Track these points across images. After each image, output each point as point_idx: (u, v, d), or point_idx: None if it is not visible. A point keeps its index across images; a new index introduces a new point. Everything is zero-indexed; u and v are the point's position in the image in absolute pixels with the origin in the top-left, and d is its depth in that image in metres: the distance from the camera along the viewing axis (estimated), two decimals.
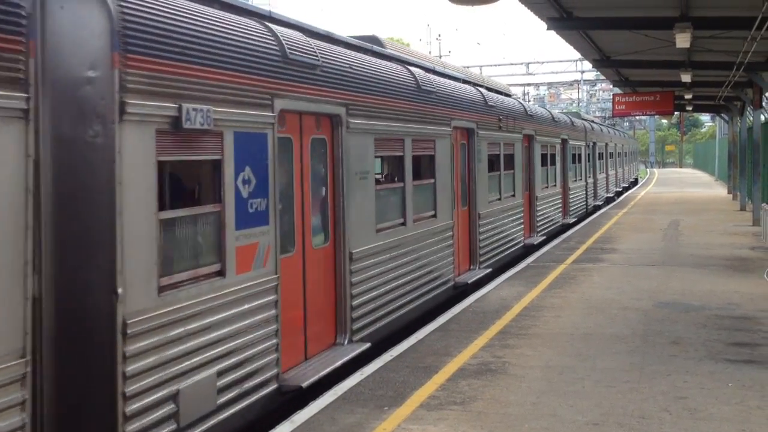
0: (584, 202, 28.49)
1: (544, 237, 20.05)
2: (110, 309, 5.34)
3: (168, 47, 5.95)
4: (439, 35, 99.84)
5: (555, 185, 22.73)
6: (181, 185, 6.56)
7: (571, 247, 18.66)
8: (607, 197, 34.49)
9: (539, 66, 71.65)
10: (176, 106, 5.99)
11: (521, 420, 6.84)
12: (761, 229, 20.28)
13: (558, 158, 23.16)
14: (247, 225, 7.01)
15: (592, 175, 30.49)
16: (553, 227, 21.95)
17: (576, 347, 9.23)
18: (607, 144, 35.64)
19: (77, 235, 5.30)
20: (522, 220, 17.86)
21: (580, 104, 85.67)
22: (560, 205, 23.73)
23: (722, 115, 43.61)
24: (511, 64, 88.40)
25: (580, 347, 9.23)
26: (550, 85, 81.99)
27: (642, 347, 9.20)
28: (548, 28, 16.58)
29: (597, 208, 30.76)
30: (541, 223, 20.45)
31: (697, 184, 49.95)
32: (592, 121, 36.72)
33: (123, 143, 5.43)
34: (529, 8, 15.70)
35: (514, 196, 17.26)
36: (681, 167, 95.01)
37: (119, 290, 5.37)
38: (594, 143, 31.02)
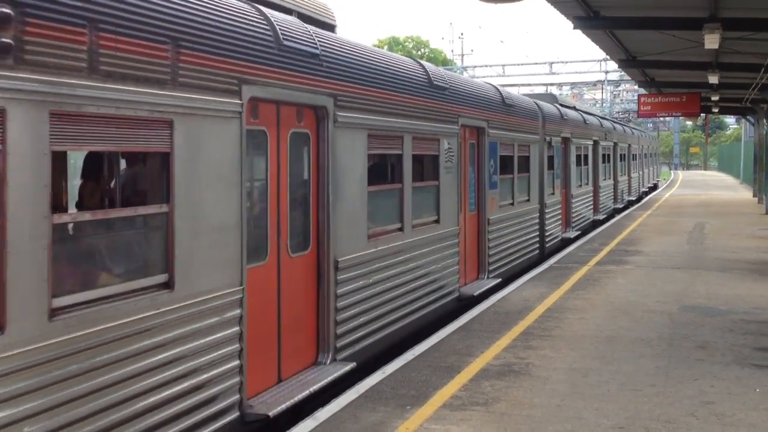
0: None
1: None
2: None
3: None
4: (462, 33, 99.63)
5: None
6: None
7: (595, 248, 18.52)
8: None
9: (563, 65, 71.20)
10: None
11: (545, 422, 6.77)
12: None
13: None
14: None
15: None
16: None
17: (600, 350, 9.14)
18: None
19: None
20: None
21: (604, 105, 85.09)
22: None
23: (748, 117, 43.13)
24: (535, 63, 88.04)
25: (604, 350, 9.13)
26: (573, 85, 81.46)
27: (668, 351, 9.09)
28: (574, 27, 16.44)
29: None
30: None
31: (722, 187, 49.47)
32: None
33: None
34: (555, 7, 15.57)
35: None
36: (705, 170, 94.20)
37: None
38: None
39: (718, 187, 50.05)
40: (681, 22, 16.27)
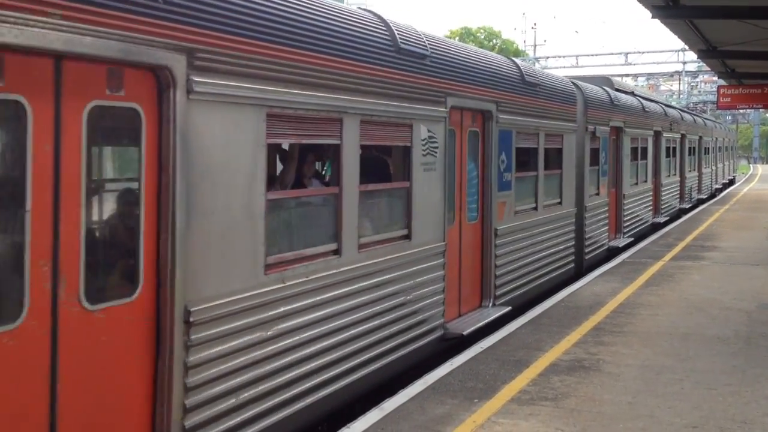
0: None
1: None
2: None
3: None
4: (535, 24, 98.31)
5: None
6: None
7: (670, 243, 18.10)
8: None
9: (638, 56, 69.65)
10: None
11: (616, 419, 6.65)
12: None
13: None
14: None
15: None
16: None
17: (674, 347, 8.92)
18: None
19: None
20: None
21: (681, 96, 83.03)
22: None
23: None
24: (610, 53, 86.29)
25: (678, 347, 8.92)
26: (649, 75, 79.69)
27: (745, 349, 8.83)
28: (653, 17, 16.01)
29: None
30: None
31: None
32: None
33: None
34: None
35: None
36: None
37: None
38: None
39: None
40: (764, 11, 15.71)
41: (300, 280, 6.54)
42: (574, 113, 14.14)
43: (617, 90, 18.92)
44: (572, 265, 14.06)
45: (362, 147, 7.63)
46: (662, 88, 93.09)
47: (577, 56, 67.25)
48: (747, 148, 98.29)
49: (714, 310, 10.86)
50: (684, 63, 70.91)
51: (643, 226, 20.55)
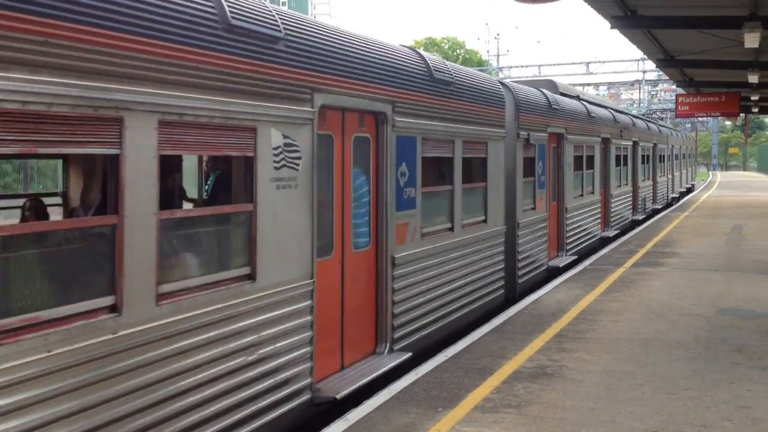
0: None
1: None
2: None
3: None
4: (498, 34, 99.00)
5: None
6: None
7: (630, 250, 18.32)
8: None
9: (599, 65, 70.62)
10: None
11: (578, 425, 6.72)
12: None
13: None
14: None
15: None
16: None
17: (635, 353, 9.04)
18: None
19: None
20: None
21: (641, 105, 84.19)
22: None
23: None
24: (572, 63, 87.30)
25: (639, 353, 9.04)
26: (610, 85, 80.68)
27: (704, 354, 8.97)
28: (612, 27, 16.29)
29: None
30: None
31: (762, 188, 48.65)
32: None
33: None
34: (592, 6, 15.44)
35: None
36: (745, 170, 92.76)
37: None
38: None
39: (757, 188, 49.23)
40: (720, 21, 16.05)
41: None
42: (502, 117, 12.38)
43: (562, 94, 17.79)
44: (501, 291, 12.26)
45: (165, 158, 5.70)
46: (623, 97, 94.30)
47: (539, 66, 67.83)
48: (706, 155, 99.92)
49: (674, 315, 11.03)
50: (644, 72, 71.91)
51: (590, 242, 18.89)
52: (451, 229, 10.49)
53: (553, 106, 15.60)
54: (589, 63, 68.38)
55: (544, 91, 15.74)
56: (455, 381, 8.00)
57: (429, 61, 10.01)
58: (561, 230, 16.52)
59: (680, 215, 28.17)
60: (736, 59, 21.71)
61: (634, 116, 29.64)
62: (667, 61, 22.75)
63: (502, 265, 12.38)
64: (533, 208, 14.36)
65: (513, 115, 13.19)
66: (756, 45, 15.58)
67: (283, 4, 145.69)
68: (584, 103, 19.35)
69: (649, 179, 29.58)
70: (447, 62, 10.99)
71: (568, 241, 16.79)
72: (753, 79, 22.93)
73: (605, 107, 23.00)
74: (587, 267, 15.75)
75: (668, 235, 21.59)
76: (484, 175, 11.78)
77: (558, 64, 73.45)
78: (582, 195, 18.24)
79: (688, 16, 16.33)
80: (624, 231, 22.91)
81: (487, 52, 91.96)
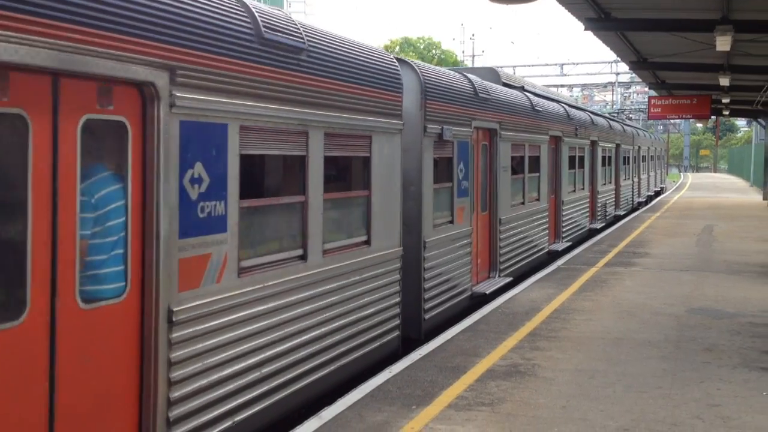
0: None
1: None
2: None
3: None
4: (473, 35, 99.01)
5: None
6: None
7: (603, 250, 18.48)
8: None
9: (573, 67, 71.17)
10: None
11: (550, 423, 6.77)
12: None
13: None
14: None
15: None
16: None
17: (607, 351, 9.13)
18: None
19: None
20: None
21: (614, 107, 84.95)
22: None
23: (759, 120, 42.99)
24: (546, 64, 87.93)
25: (611, 351, 9.12)
26: (583, 86, 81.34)
27: (674, 353, 9.07)
28: (585, 29, 16.40)
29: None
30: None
31: (732, 190, 49.29)
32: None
33: None
34: (566, 8, 15.54)
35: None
36: (715, 172, 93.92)
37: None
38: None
39: (727, 189, 49.87)
40: (692, 24, 16.22)
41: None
42: (397, 105, 9.42)
43: (505, 84, 15.51)
44: (396, 333, 9.41)
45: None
46: (596, 98, 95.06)
47: (514, 67, 68.25)
48: (678, 157, 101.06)
49: (645, 314, 11.14)
50: (617, 74, 72.62)
51: (533, 257, 16.00)
52: (303, 257, 7.41)
53: (481, 94, 12.56)
54: (563, 64, 69.00)
55: (471, 76, 12.78)
56: (429, 379, 8.02)
57: (257, 15, 6.73)
58: (493, 246, 13.55)
59: (652, 216, 28.45)
60: (707, 62, 21.95)
61: (594, 113, 26.18)
62: (639, 64, 22.96)
63: (398, 299, 9.41)
64: (450, 222, 11.32)
65: (417, 103, 10.16)
66: (727, 48, 15.76)
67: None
68: (528, 94, 16.55)
69: (611, 183, 27.07)
70: (299, 21, 7.68)
71: (502, 260, 13.79)
72: (724, 82, 23.20)
73: (558, 101, 20.25)
74: (560, 266, 15.86)
75: (640, 235, 21.80)
76: (366, 180, 8.79)
77: (532, 65, 74.03)
78: (523, 203, 15.40)
79: (661, 19, 16.50)
80: (580, 241, 20.44)
81: (462, 52, 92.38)
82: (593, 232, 22.71)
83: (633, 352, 9.07)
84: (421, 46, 79.95)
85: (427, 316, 10.52)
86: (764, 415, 7.03)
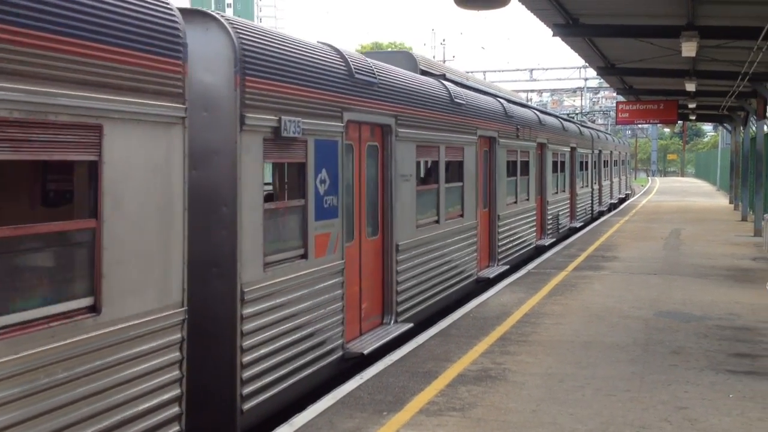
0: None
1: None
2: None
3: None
4: (444, 40, 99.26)
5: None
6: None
7: (573, 254, 18.62)
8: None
9: (543, 72, 71.74)
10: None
11: (521, 427, 6.80)
12: (762, 240, 20.23)
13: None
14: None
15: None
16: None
17: (576, 355, 9.19)
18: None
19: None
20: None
21: (583, 111, 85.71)
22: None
23: (725, 124, 43.59)
24: (516, 69, 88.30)
25: (580, 355, 9.19)
26: (553, 91, 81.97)
27: (642, 356, 9.16)
28: (554, 35, 16.53)
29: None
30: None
31: (699, 194, 49.90)
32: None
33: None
34: (535, 14, 15.66)
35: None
36: (683, 176, 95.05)
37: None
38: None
39: (694, 193, 50.47)
40: (659, 30, 16.41)
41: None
42: (175, 77, 5.90)
43: (423, 72, 12.95)
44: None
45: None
46: (566, 103, 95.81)
47: (484, 72, 68.62)
48: (646, 161, 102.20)
49: (614, 318, 11.24)
50: (586, 80, 73.27)
51: (454, 288, 12.88)
52: (96, 325, 5.08)
53: (361, 76, 9.23)
54: (532, 70, 69.48)
55: (344, 50, 9.26)
56: (400, 384, 8.03)
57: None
58: (387, 281, 10.33)
59: (621, 220, 28.72)
60: (674, 68, 22.23)
61: (543, 112, 23.09)
62: (607, 69, 23.17)
63: (177, 381, 5.90)
64: (302, 256, 8.04)
65: (227, 79, 6.84)
66: (693, 54, 15.97)
67: (229, 6, 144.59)
68: (448, 84, 13.34)
69: (565, 191, 24.08)
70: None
71: (400, 299, 10.55)
72: (690, 87, 23.50)
73: (495, 96, 17.00)
74: (530, 270, 15.95)
75: (609, 239, 22.00)
76: (91, 202, 5.20)
77: (502, 71, 74.48)
78: (437, 221, 12.17)
79: (627, 25, 16.68)
80: (524, 260, 17.59)
81: (434, 57, 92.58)
82: (541, 250, 19.31)
83: (602, 356, 9.15)
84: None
85: (246, 406, 6.88)
86: (731, 417, 7.12)
